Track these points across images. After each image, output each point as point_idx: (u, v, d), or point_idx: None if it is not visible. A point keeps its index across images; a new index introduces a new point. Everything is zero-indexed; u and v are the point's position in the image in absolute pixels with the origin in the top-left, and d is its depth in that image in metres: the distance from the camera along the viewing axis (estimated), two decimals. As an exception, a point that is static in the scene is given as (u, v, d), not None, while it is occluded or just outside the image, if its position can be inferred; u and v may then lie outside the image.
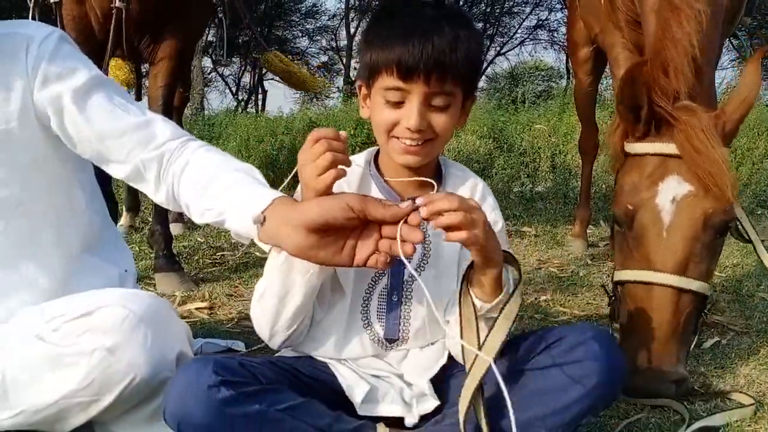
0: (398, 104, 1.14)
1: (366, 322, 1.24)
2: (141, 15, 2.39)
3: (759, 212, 4.48)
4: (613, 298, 1.69)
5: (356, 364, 1.23)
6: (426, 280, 1.20)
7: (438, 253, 1.24)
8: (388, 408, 1.16)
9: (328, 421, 1.10)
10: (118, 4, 2.27)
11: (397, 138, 1.15)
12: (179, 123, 3.86)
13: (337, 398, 1.16)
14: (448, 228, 0.98)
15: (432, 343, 1.27)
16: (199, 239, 3.49)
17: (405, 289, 1.24)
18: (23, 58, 1.18)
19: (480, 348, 1.04)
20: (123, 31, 2.35)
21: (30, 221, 1.24)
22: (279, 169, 5.10)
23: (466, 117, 1.24)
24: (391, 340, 1.25)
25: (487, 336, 1.05)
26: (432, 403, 1.17)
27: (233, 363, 1.05)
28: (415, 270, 1.22)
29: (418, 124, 1.11)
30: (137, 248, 3.21)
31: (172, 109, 2.69)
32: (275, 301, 1.13)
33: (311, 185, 1.00)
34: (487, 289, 1.09)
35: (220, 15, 3.43)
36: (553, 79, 17.39)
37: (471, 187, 1.29)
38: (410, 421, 1.15)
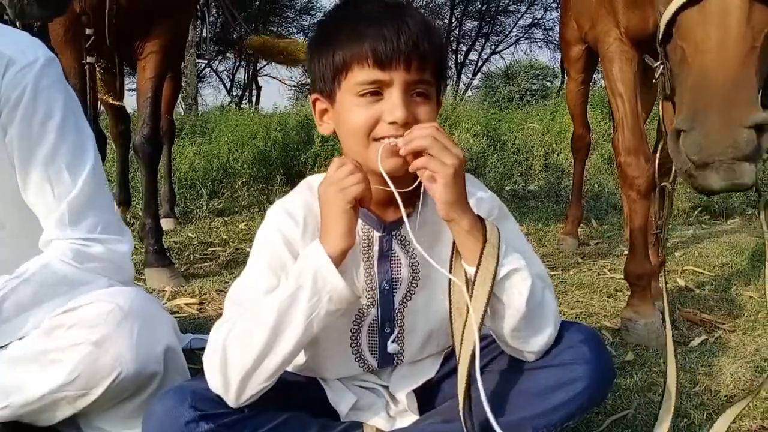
0: (375, 100, 1.01)
1: (358, 355, 1.16)
2: (128, 5, 2.37)
3: (750, 212, 4.50)
4: (662, 66, 1.29)
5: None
6: (417, 304, 1.14)
7: (427, 275, 1.14)
8: (373, 418, 1.14)
9: (315, 430, 1.08)
10: None
11: (378, 140, 1.01)
12: (170, 121, 3.86)
13: (322, 405, 1.14)
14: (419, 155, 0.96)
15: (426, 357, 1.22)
16: (190, 235, 3.49)
17: (397, 318, 1.15)
18: None
19: (467, 309, 0.99)
20: (104, 22, 2.33)
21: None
22: (271, 166, 5.10)
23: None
24: (386, 367, 1.19)
25: (473, 287, 0.99)
26: (412, 418, 1.15)
27: (212, 393, 0.99)
28: (405, 296, 1.14)
29: (405, 115, 0.99)
30: (128, 243, 3.20)
31: (160, 101, 2.67)
32: (261, 343, 0.96)
33: (340, 199, 0.97)
34: (468, 249, 1.00)
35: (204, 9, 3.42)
36: (548, 78, 17.42)
37: None
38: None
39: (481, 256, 0.98)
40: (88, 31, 2.36)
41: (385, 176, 0.99)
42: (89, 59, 2.36)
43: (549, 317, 1.06)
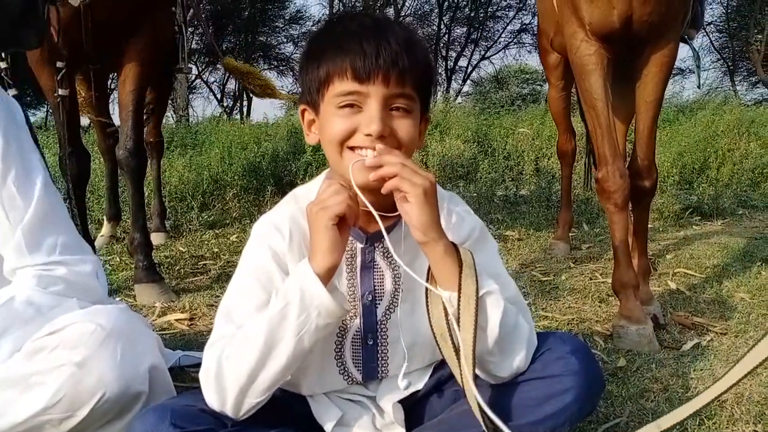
0: (354, 113, 1.03)
1: (342, 368, 1.15)
2: (98, 16, 2.32)
3: (740, 212, 4.52)
4: None
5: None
6: (400, 316, 1.14)
7: (410, 288, 1.14)
8: None
9: None
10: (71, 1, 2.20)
11: (353, 150, 1.03)
12: (158, 134, 3.84)
13: (307, 420, 1.13)
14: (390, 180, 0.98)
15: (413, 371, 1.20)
16: (180, 248, 3.47)
17: (380, 330, 1.15)
18: None
19: (458, 349, 0.99)
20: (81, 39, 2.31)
21: None
22: (262, 176, 5.08)
23: (422, 139, 1.14)
24: (370, 380, 1.18)
25: (458, 311, 0.99)
26: (400, 431, 1.14)
27: (192, 410, 0.99)
28: (387, 308, 1.15)
29: (380, 128, 1.00)
30: (118, 259, 3.18)
31: (142, 114, 2.65)
32: (254, 359, 0.97)
33: (322, 216, 0.98)
34: (444, 273, 1.00)
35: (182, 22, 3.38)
36: (538, 82, 17.49)
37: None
38: None
39: (460, 281, 0.99)
40: (59, 64, 2.35)
41: (356, 188, 1.00)
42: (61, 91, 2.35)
43: (522, 341, 1.07)
